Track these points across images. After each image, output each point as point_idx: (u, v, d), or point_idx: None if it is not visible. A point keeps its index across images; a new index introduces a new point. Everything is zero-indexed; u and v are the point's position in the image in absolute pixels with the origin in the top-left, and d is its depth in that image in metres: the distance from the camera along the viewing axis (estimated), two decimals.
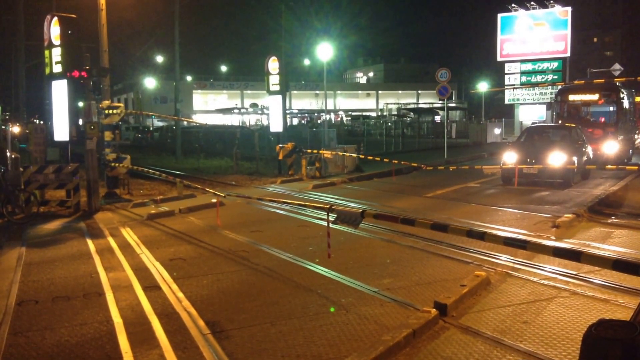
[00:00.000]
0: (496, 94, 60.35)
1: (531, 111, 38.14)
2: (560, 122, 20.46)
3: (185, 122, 41.21)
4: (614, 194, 13.44)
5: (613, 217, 10.72)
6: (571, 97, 21.12)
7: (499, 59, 38.28)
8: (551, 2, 36.25)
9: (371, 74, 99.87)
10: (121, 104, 14.90)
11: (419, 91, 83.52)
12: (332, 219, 6.39)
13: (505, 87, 37.80)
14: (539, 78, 36.59)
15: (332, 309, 5.66)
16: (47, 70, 12.52)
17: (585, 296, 6.01)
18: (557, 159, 14.52)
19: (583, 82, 23.08)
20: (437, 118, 51.99)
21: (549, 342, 4.83)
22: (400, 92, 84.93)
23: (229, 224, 10.26)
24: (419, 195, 14.02)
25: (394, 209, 11.59)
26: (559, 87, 25.64)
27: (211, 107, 72.92)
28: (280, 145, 18.47)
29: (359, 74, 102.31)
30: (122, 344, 4.93)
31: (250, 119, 64.22)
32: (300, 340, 4.94)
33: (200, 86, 74.92)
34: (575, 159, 14.80)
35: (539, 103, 37.13)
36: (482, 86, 61.33)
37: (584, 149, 16.09)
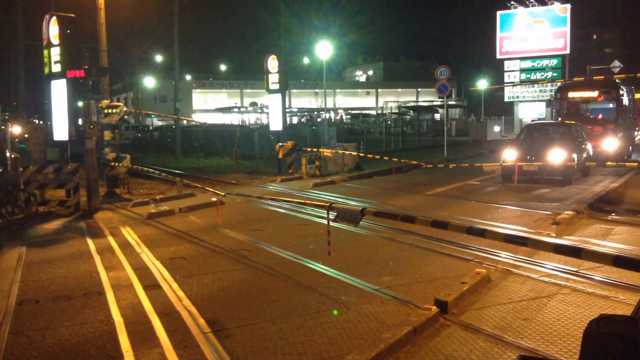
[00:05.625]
0: (496, 92, 60.33)
1: (531, 108, 38.13)
2: (560, 119, 20.44)
3: (184, 121, 41.20)
4: (614, 190, 13.44)
5: (613, 214, 10.71)
6: (571, 95, 21.10)
7: (498, 56, 38.26)
8: None
9: (370, 72, 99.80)
10: (121, 103, 14.89)
11: (419, 89, 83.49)
12: (332, 217, 6.38)
13: (505, 84, 37.78)
14: (538, 75, 36.58)
15: (335, 312, 5.62)
16: (47, 70, 12.51)
17: (586, 293, 6.00)
18: (557, 156, 14.51)
19: (583, 79, 23.07)
20: (437, 116, 51.94)
21: (550, 338, 4.83)
22: (399, 90, 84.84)
23: (229, 223, 10.26)
24: (419, 193, 14.02)
25: (394, 206, 11.58)
26: (559, 84, 25.62)
27: (211, 106, 72.89)
28: (280, 144, 18.46)
29: (359, 73, 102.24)
30: (123, 343, 4.93)
31: (250, 118, 64.20)
32: (301, 338, 4.94)
33: (200, 85, 74.90)
34: (575, 156, 14.79)
35: (539, 100, 37.12)
36: (482, 84, 61.31)
37: (583, 146, 16.07)
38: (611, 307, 5.56)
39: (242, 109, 67.34)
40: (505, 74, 37.87)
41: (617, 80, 20.79)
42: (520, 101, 38.62)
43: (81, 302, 6.10)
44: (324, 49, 31.03)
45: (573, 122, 17.81)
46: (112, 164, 13.71)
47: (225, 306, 5.84)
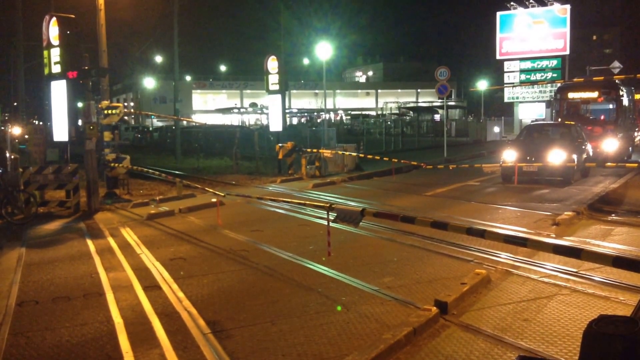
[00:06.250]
0: (496, 92, 60.33)
1: (531, 109, 38.15)
2: (559, 120, 20.45)
3: (184, 122, 41.19)
4: (614, 191, 13.44)
5: (613, 215, 10.71)
6: (571, 95, 21.10)
7: (498, 57, 38.27)
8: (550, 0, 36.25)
9: (370, 73, 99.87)
10: (120, 104, 14.89)
11: (419, 90, 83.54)
12: (332, 218, 6.38)
13: (505, 85, 37.79)
14: (538, 76, 36.58)
15: (338, 308, 5.66)
16: (46, 71, 12.51)
17: (586, 293, 6.00)
18: (556, 156, 14.51)
19: (582, 79, 23.07)
20: (437, 117, 51.97)
21: (550, 339, 4.83)
22: (399, 90, 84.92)
23: (229, 224, 10.26)
24: (419, 193, 14.01)
25: (394, 207, 11.58)
26: (559, 85, 25.62)
27: (210, 107, 72.96)
28: (280, 144, 18.46)
29: (358, 73, 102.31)
30: (123, 344, 4.93)
31: (250, 119, 64.22)
32: (301, 339, 4.94)
33: (200, 86, 74.93)
34: (575, 156, 14.79)
35: (539, 101, 37.14)
36: (482, 84, 61.30)
37: (583, 147, 16.08)
38: (611, 308, 5.56)
39: (242, 110, 67.39)
40: (505, 75, 37.87)
41: (616, 81, 20.77)
42: (520, 102, 38.63)
43: (81, 303, 6.10)
44: (324, 50, 31.04)
45: (573, 122, 17.82)
46: (112, 164, 13.70)
47: (225, 307, 5.84)
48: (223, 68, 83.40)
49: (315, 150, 18.52)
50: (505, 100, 40.56)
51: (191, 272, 7.16)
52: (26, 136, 20.92)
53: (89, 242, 9.15)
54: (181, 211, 11.66)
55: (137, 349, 4.82)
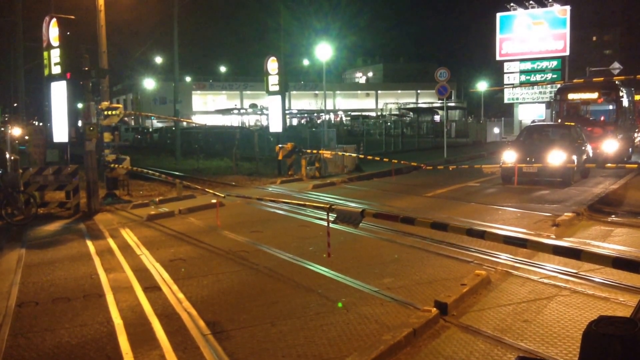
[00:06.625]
0: (495, 93, 60.35)
1: (530, 110, 38.19)
2: (559, 120, 20.46)
3: (184, 123, 41.20)
4: (613, 192, 13.44)
5: (613, 216, 10.72)
6: (570, 96, 21.10)
7: (498, 58, 38.30)
8: (550, 1, 36.27)
9: (370, 74, 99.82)
10: (120, 105, 14.90)
11: (419, 91, 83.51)
12: (332, 219, 6.38)
13: (505, 86, 37.82)
14: (538, 77, 36.62)
15: (339, 304, 5.69)
16: (46, 72, 12.51)
17: (586, 294, 6.00)
18: (556, 157, 14.51)
19: (582, 80, 23.07)
20: (437, 117, 51.94)
21: (550, 340, 4.83)
22: (399, 91, 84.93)
23: (228, 225, 10.25)
24: (419, 194, 14.01)
25: (394, 208, 11.58)
26: (558, 86, 25.63)
27: (210, 108, 72.93)
28: (280, 145, 18.46)
29: (358, 74, 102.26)
30: (123, 345, 4.93)
31: (250, 120, 64.25)
32: (300, 340, 4.94)
33: (200, 87, 74.93)
34: (574, 157, 14.80)
35: (539, 102, 37.18)
36: (482, 85, 61.30)
37: (583, 148, 16.08)
38: (611, 309, 5.56)
39: (241, 111, 67.39)
40: (505, 76, 37.91)
41: (616, 82, 20.77)
42: (520, 103, 38.66)
43: (81, 304, 6.10)
44: (324, 51, 31.05)
45: (573, 123, 17.82)
46: (112, 165, 13.71)
47: (225, 308, 5.84)
48: (223, 69, 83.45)
49: (315, 151, 18.52)
50: (505, 101, 40.60)
51: (191, 273, 7.16)
52: (26, 137, 20.93)
53: (89, 243, 9.15)
54: (181, 212, 11.65)
55: (137, 350, 4.82)
